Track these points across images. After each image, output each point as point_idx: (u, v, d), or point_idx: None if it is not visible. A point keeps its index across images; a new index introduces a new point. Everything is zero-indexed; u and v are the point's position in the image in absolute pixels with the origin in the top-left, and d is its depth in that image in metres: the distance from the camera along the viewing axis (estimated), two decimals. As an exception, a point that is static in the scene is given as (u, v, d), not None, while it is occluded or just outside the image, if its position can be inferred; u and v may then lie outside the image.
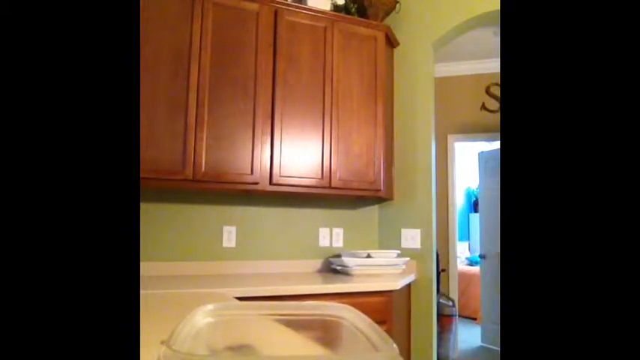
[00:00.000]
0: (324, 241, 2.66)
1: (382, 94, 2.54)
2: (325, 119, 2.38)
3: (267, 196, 2.52)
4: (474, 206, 7.84)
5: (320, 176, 2.34)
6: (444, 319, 3.76)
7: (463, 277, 5.78)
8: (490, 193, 4.33)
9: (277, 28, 2.31)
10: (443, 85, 4.69)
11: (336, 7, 2.60)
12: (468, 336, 4.72)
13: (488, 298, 4.25)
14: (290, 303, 0.56)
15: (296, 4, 2.36)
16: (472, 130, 4.61)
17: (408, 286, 2.63)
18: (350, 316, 0.51)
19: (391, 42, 2.77)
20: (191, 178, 2.05)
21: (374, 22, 2.57)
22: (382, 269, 2.45)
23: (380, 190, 2.49)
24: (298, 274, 2.41)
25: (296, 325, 0.55)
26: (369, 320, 0.47)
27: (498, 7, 2.74)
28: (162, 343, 0.32)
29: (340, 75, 2.44)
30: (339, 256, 2.66)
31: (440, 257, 4.36)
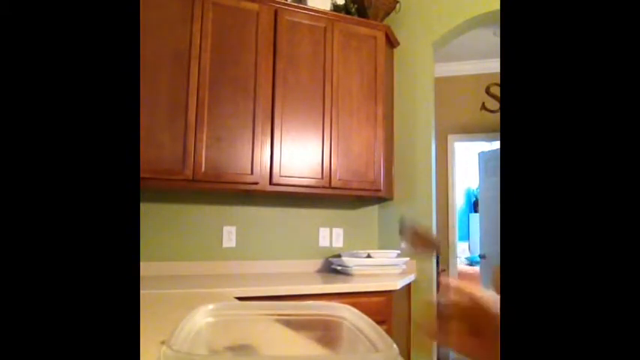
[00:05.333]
0: (324, 241, 2.66)
1: (382, 94, 2.54)
2: (325, 119, 2.38)
3: (267, 196, 2.52)
4: (474, 206, 7.83)
5: (320, 176, 2.34)
6: (444, 319, 3.75)
7: (463, 277, 5.78)
8: (490, 193, 4.33)
9: (277, 28, 2.31)
10: (443, 85, 4.69)
11: (336, 7, 2.60)
12: (468, 336, 4.71)
13: (488, 298, 4.24)
14: (290, 303, 0.56)
15: (296, 4, 2.36)
16: (472, 130, 4.61)
17: (408, 286, 2.63)
18: (350, 316, 0.51)
19: (391, 42, 2.77)
20: (191, 178, 2.05)
21: (374, 22, 2.57)
22: (382, 269, 2.45)
23: (380, 190, 2.49)
24: (298, 274, 2.41)
25: (296, 325, 0.55)
26: (369, 320, 0.47)
27: (498, 7, 2.74)
28: (163, 343, 0.32)
29: (340, 75, 2.44)
30: (339, 256, 2.66)
31: (440, 257, 4.36)
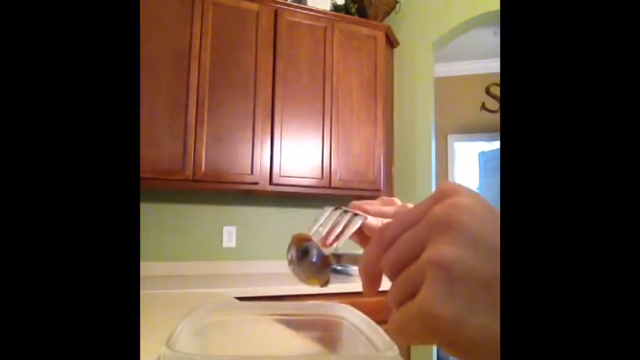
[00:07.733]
0: (324, 241, 2.65)
1: (382, 94, 2.54)
2: (325, 119, 2.38)
3: (267, 196, 2.52)
4: (474, 206, 7.82)
5: (320, 176, 2.34)
6: (444, 319, 3.75)
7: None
8: (490, 193, 4.32)
9: (277, 28, 2.30)
10: (443, 85, 4.68)
11: (336, 7, 2.60)
12: (468, 336, 4.71)
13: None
14: (290, 303, 0.56)
15: (296, 4, 2.36)
16: (472, 130, 4.61)
17: (408, 286, 2.62)
18: (350, 316, 0.51)
19: (391, 42, 2.77)
20: (191, 178, 2.05)
21: (374, 22, 2.57)
22: (382, 269, 2.45)
23: (380, 190, 2.49)
24: (298, 274, 2.40)
25: (296, 325, 0.55)
26: (369, 320, 0.47)
27: (498, 7, 2.74)
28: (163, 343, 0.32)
29: (340, 75, 2.44)
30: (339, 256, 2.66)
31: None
